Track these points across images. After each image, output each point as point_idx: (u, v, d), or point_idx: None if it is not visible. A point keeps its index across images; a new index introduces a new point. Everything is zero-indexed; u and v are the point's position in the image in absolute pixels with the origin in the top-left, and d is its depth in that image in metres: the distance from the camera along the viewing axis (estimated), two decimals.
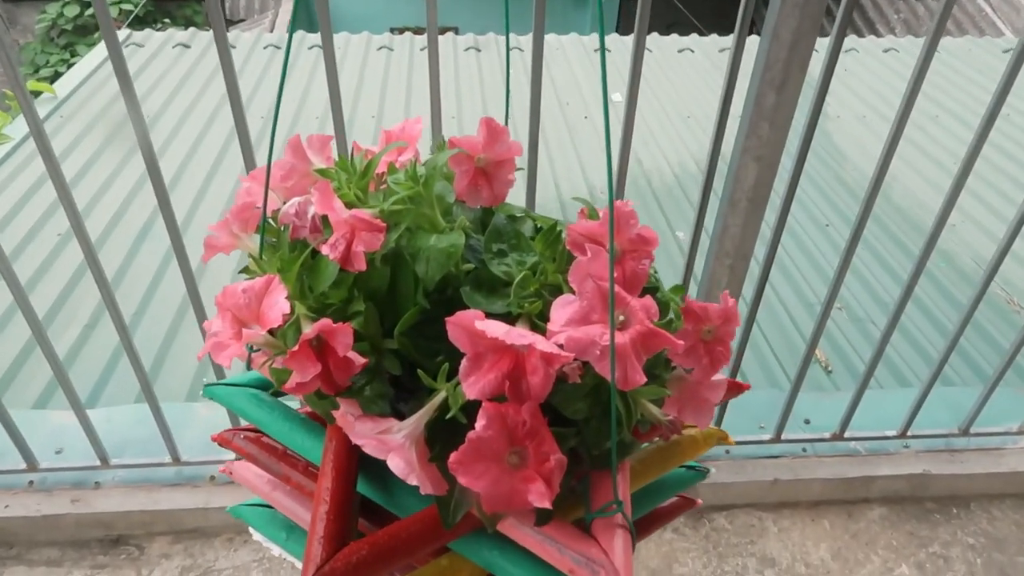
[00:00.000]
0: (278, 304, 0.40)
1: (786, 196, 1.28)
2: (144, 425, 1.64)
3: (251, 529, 0.68)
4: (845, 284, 2.16)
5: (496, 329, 0.39)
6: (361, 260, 0.43)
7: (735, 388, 0.59)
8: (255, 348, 0.53)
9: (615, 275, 0.43)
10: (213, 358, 0.40)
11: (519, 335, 0.39)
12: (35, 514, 1.55)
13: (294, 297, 0.45)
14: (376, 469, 0.55)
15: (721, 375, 0.50)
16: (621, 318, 0.41)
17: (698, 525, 1.66)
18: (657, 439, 0.58)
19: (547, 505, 0.39)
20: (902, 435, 1.67)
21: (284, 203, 0.49)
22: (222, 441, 0.61)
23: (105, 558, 1.61)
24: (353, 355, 0.41)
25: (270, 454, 0.58)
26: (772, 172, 1.23)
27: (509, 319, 0.43)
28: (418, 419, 0.42)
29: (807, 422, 1.71)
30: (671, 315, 0.47)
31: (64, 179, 1.08)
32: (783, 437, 1.65)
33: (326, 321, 0.40)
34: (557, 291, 0.43)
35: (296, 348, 0.40)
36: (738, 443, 1.67)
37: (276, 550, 0.67)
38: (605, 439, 0.44)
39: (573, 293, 0.42)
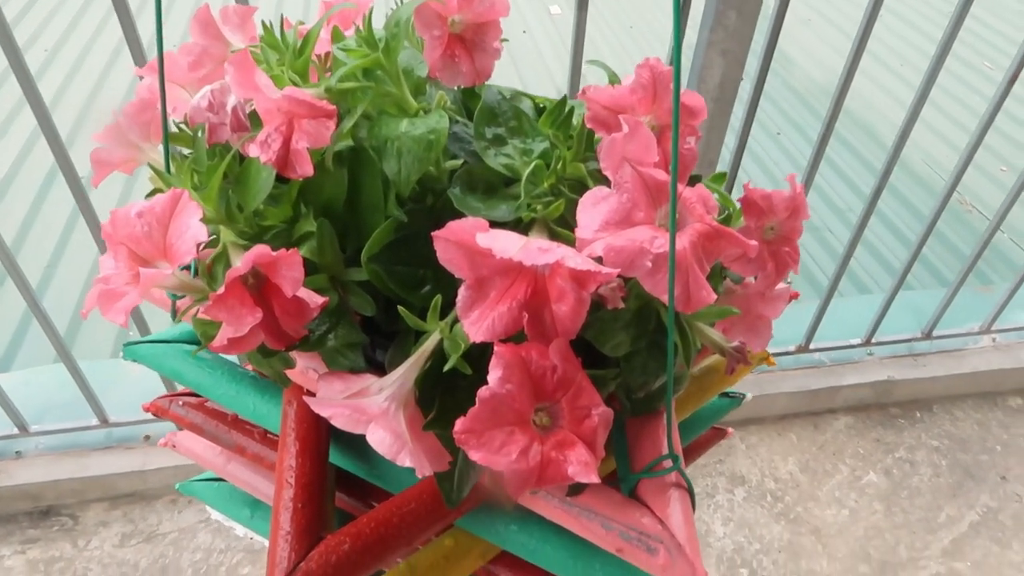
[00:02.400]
0: (190, 229, 0.27)
1: (752, 95, 1.18)
2: (65, 387, 1.49)
3: (208, 508, 0.56)
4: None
5: (508, 244, 0.27)
6: (306, 162, 0.31)
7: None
8: (177, 295, 0.40)
9: (656, 160, 0.31)
10: (103, 314, 0.27)
11: (540, 250, 0.27)
12: None
13: (218, 221, 0.32)
14: (352, 434, 0.43)
15: (783, 284, 0.40)
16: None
17: None
18: (699, 363, 0.48)
19: (593, 479, 0.29)
20: (866, 343, 1.64)
21: None
22: (156, 411, 0.48)
23: (36, 531, 1.47)
24: (306, 294, 0.29)
25: (218, 422, 0.46)
26: (739, 68, 1.12)
27: (519, 228, 0.31)
28: (405, 373, 0.31)
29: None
30: (725, 210, 0.36)
31: None
32: None
33: (263, 248, 0.27)
34: (580, 187, 0.31)
35: (222, 290, 0.27)
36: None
37: (240, 530, 0.55)
38: (651, 377, 0.34)
39: (604, 185, 0.30)
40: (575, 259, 0.28)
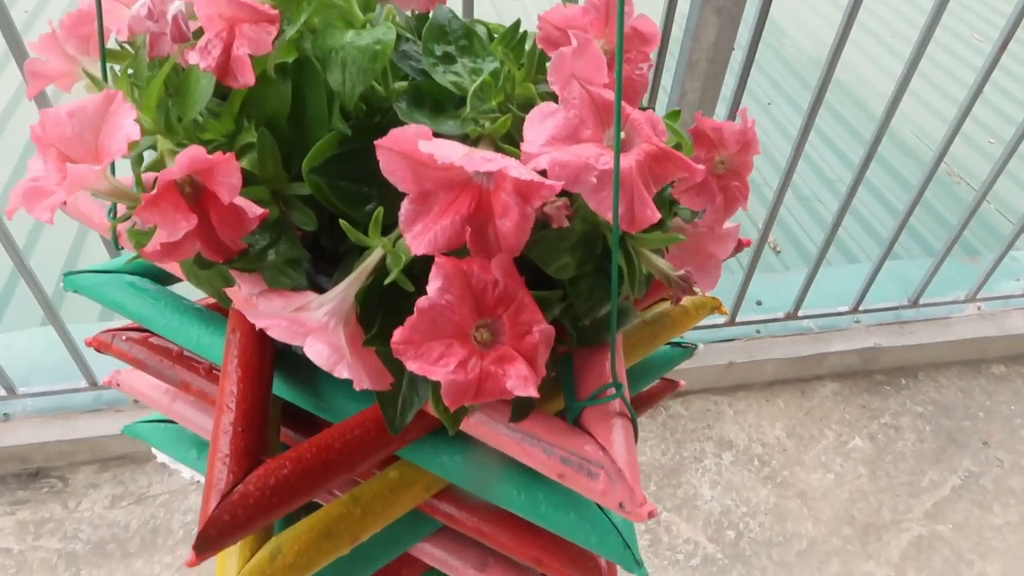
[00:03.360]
0: (123, 128, 0.26)
1: (744, 62, 1.16)
2: (53, 350, 1.49)
3: (154, 450, 0.56)
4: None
5: (450, 151, 0.27)
6: (247, 70, 0.30)
7: (738, 247, 0.49)
8: (117, 221, 0.40)
9: (605, 82, 0.31)
10: (27, 210, 0.27)
11: (483, 158, 0.27)
12: None
13: (155, 131, 0.31)
14: (297, 364, 0.43)
15: (732, 223, 0.40)
16: (621, 135, 0.30)
17: (654, 413, 1.62)
18: (650, 309, 0.47)
19: (532, 392, 0.28)
20: (854, 310, 1.64)
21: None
22: (98, 345, 0.47)
23: (25, 493, 1.48)
24: (245, 203, 0.29)
25: (162, 357, 0.46)
26: (734, 27, 1.11)
27: (466, 143, 0.30)
28: (346, 289, 0.30)
29: (759, 303, 1.67)
30: (675, 142, 0.35)
31: None
32: (737, 320, 1.61)
33: (198, 151, 0.27)
34: (528, 107, 0.31)
35: (155, 192, 0.27)
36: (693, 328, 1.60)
37: (187, 472, 0.55)
38: (597, 305, 0.33)
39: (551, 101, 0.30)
40: (519, 170, 0.27)
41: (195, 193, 0.29)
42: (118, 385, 0.51)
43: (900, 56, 1.24)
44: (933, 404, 1.66)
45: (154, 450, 0.56)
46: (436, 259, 0.28)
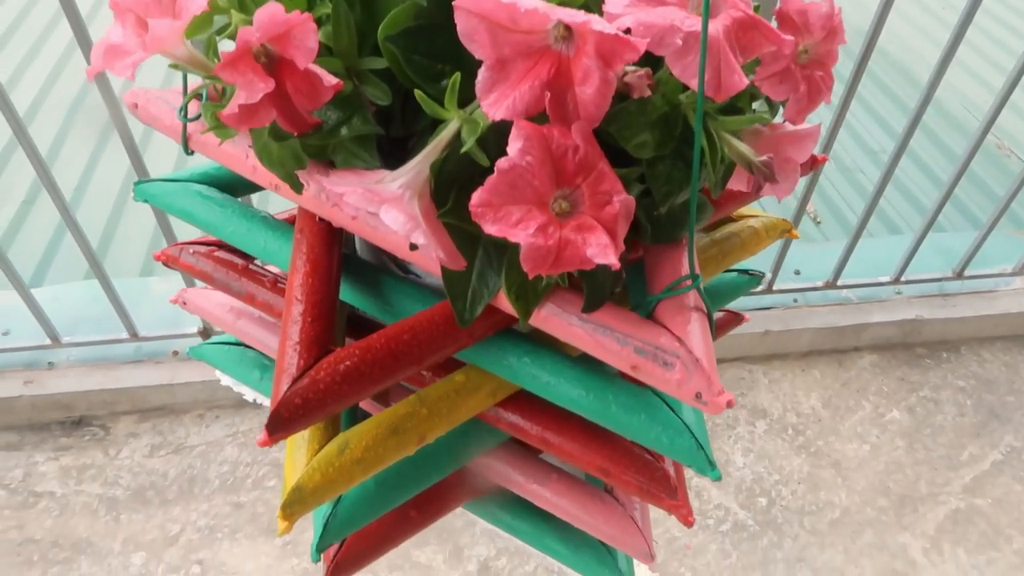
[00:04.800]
0: None
1: None
2: (96, 302, 1.52)
3: (217, 372, 0.56)
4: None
5: (532, 1, 0.26)
6: None
7: (809, 163, 0.48)
8: (189, 118, 0.40)
9: None
10: (108, 68, 0.27)
11: (567, 11, 0.26)
12: None
13: (228, 7, 0.31)
14: (363, 269, 0.42)
15: (810, 124, 0.38)
16: None
17: None
18: (719, 229, 0.46)
19: (613, 260, 0.28)
20: (895, 281, 1.61)
21: None
22: (167, 259, 0.47)
23: (68, 440, 1.52)
24: (319, 71, 0.28)
25: (228, 270, 0.46)
26: None
27: None
28: (421, 161, 0.30)
29: (797, 272, 1.64)
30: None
31: None
32: (774, 288, 1.58)
33: (275, 7, 0.26)
34: None
35: (234, 52, 0.26)
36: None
37: (249, 393, 0.55)
38: (675, 189, 0.33)
39: None
40: (603, 24, 0.27)
41: (270, 64, 0.29)
42: (184, 304, 0.51)
43: (948, 25, 1.21)
44: (975, 378, 1.63)
45: (217, 372, 0.56)
46: (516, 121, 0.27)
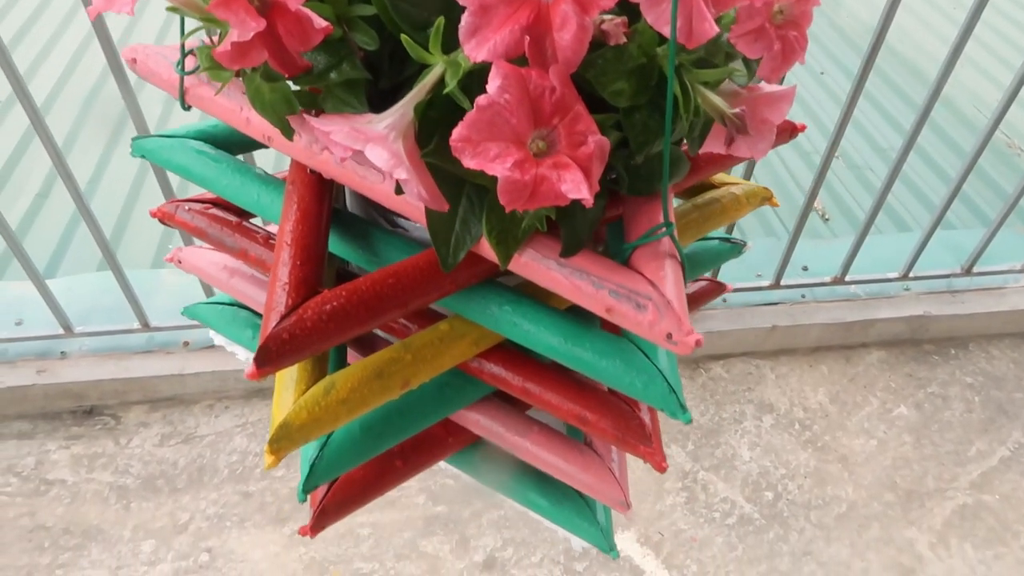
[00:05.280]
0: None
1: None
2: (108, 293, 1.55)
3: (211, 333, 0.58)
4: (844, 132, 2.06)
5: None
6: None
7: (788, 129, 0.49)
8: (185, 71, 0.41)
9: None
10: (108, 6, 0.28)
11: None
12: None
13: None
14: (352, 222, 0.44)
15: (785, 86, 0.40)
16: None
17: (695, 375, 1.61)
18: (701, 196, 0.47)
19: (587, 196, 0.29)
20: (903, 277, 1.61)
21: None
22: (163, 216, 0.49)
23: (80, 429, 1.54)
24: (309, 13, 0.30)
25: (222, 226, 0.47)
26: None
27: None
28: (406, 103, 0.31)
29: (805, 269, 1.64)
30: None
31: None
32: (782, 283, 1.58)
33: None
34: None
35: None
36: (735, 290, 1.59)
37: (241, 353, 0.57)
38: (651, 138, 0.34)
39: None
40: None
41: (263, 7, 0.30)
42: (179, 262, 0.53)
43: (957, 22, 1.21)
44: (983, 375, 1.62)
45: (211, 333, 0.58)
46: (496, 61, 0.29)
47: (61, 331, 1.49)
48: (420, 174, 0.31)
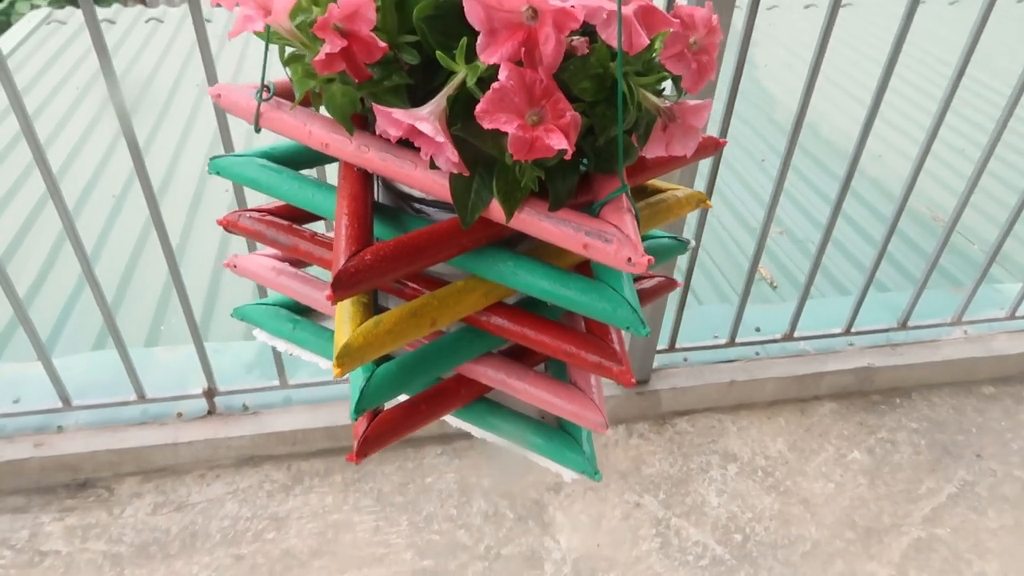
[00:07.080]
0: None
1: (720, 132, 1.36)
2: (104, 370, 1.63)
3: (256, 330, 0.69)
4: (786, 212, 2.28)
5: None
6: None
7: (712, 144, 0.64)
8: (264, 98, 0.55)
9: None
10: (246, 27, 0.42)
11: None
12: None
13: (311, 5, 0.47)
14: (386, 213, 0.57)
15: (703, 100, 0.55)
16: None
17: (662, 430, 1.72)
18: (652, 197, 0.62)
19: (566, 146, 0.43)
20: (846, 332, 1.76)
21: None
22: (228, 224, 0.62)
23: (73, 501, 1.58)
24: (374, 37, 0.44)
25: (277, 228, 0.60)
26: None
27: None
28: (441, 97, 0.45)
29: (757, 330, 1.79)
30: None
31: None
32: (737, 340, 1.73)
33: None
34: None
35: (325, 15, 0.42)
36: (695, 348, 1.73)
37: (282, 345, 0.68)
38: (610, 124, 0.48)
39: None
40: (556, 4, 0.43)
41: (344, 33, 0.45)
42: (235, 267, 0.65)
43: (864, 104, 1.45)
44: (927, 421, 1.76)
45: (255, 331, 0.69)
46: (503, 62, 0.43)
47: (60, 404, 1.55)
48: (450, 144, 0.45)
